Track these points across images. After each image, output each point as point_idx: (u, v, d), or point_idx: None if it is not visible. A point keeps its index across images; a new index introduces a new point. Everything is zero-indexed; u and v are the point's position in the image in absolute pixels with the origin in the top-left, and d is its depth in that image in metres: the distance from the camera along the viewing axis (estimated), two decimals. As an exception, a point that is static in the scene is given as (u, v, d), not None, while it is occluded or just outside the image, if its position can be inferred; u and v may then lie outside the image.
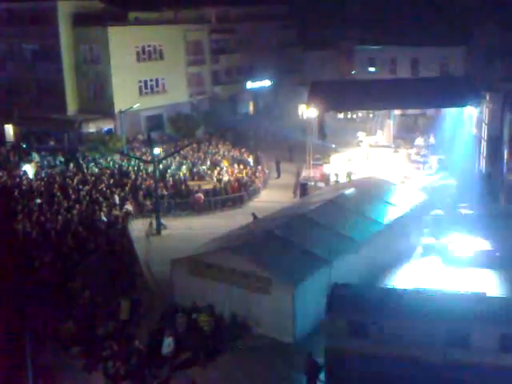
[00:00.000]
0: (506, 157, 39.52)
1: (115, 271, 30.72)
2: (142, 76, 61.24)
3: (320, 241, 29.28)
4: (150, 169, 44.95)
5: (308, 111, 46.33)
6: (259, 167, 50.63)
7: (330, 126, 47.97)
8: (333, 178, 44.80)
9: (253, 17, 74.49)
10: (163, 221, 39.51)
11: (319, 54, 79.09)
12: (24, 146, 57.40)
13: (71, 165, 50.28)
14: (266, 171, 50.70)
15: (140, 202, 42.26)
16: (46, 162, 51.91)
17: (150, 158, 46.42)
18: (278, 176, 50.94)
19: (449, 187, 42.27)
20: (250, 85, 73.21)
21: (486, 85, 47.56)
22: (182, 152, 52.07)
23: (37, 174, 48.75)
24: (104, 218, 38.65)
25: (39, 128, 60.06)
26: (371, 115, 56.62)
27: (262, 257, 27.06)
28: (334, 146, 51.82)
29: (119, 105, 57.00)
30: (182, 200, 43.23)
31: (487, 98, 41.69)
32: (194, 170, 48.34)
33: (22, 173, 48.71)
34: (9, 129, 61.77)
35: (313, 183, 44.83)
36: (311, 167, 47.26)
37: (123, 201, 41.94)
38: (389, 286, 25.86)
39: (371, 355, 21.38)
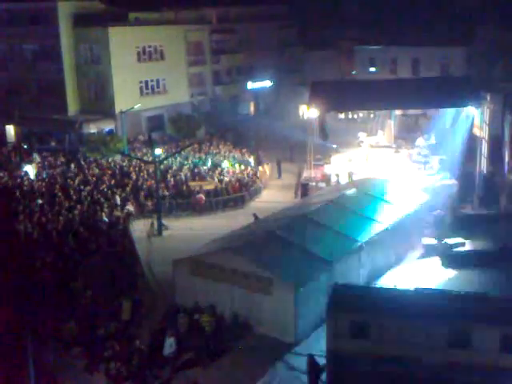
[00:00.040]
0: (506, 157, 39.50)
1: (116, 272, 30.75)
2: (142, 76, 61.26)
3: (321, 241, 29.31)
4: (151, 169, 44.97)
5: (309, 111, 46.31)
6: (260, 167, 50.65)
7: (331, 127, 47.89)
8: (334, 179, 44.81)
9: (253, 17, 74.53)
10: (164, 221, 39.54)
11: (320, 54, 79.07)
12: (25, 146, 57.42)
13: (72, 165, 50.25)
14: (268, 171, 50.69)
15: (141, 203, 42.28)
16: (46, 163, 51.88)
17: (150, 159, 46.45)
18: (279, 176, 50.97)
19: (450, 187, 42.29)
20: (250, 85, 73.23)
21: (487, 85, 47.56)
22: (183, 152, 52.08)
23: (38, 174, 48.78)
24: (105, 219, 38.69)
25: (40, 128, 60.10)
26: (372, 115, 56.63)
27: (263, 257, 27.10)
28: (335, 146, 51.82)
29: (120, 105, 57.02)
30: (184, 200, 43.26)
31: (488, 98, 41.62)
32: (195, 170, 48.36)
33: (23, 173, 48.74)
34: (10, 129, 61.80)
35: (314, 183, 44.83)
36: (312, 167, 47.25)
37: (124, 201, 41.97)
38: (390, 287, 25.88)
39: (372, 355, 21.41)
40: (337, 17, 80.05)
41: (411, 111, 53.53)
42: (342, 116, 51.68)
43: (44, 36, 60.03)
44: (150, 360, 23.87)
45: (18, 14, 61.99)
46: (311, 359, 22.65)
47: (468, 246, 32.59)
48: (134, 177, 46.65)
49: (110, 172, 48.05)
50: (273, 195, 46.25)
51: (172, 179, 45.93)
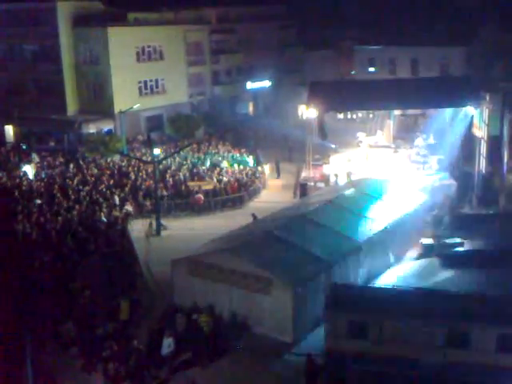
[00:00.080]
0: (505, 157, 39.51)
1: (115, 272, 30.72)
2: (141, 76, 61.25)
3: (320, 241, 29.30)
4: (150, 169, 44.95)
5: (308, 111, 46.31)
6: (259, 167, 50.66)
7: (330, 127, 47.90)
8: (333, 179, 44.80)
9: (252, 17, 74.50)
10: (163, 221, 39.52)
11: (319, 54, 79.06)
12: (24, 146, 57.35)
13: (71, 165, 50.22)
14: (267, 172, 50.68)
15: (140, 203, 42.26)
16: (45, 163, 51.86)
17: (149, 159, 46.43)
18: (278, 176, 50.96)
19: (448, 187, 42.29)
20: (249, 85, 73.19)
21: (486, 85, 47.51)
22: (181, 152, 52.06)
23: (37, 174, 48.74)
24: (104, 219, 38.65)
25: (39, 128, 60.05)
26: (371, 115, 56.61)
27: (261, 257, 27.08)
28: (333, 146, 51.80)
29: (119, 105, 57.00)
30: (182, 200, 43.25)
31: (487, 98, 41.64)
32: (194, 170, 48.35)
33: (22, 173, 48.70)
34: (9, 129, 61.72)
35: (313, 183, 44.81)
36: (311, 167, 47.24)
37: (123, 201, 41.94)
38: (388, 286, 25.88)
39: (371, 355, 21.42)
40: (336, 17, 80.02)
41: (410, 111, 53.50)
42: (340, 116, 51.64)
43: (43, 36, 60.02)
44: (148, 360, 23.85)
45: (18, 14, 61.95)
46: (310, 359, 22.63)
47: (466, 245, 32.57)
48: (133, 177, 46.63)
49: (108, 172, 48.03)
50: (271, 195, 46.22)
51: (171, 179, 45.91)
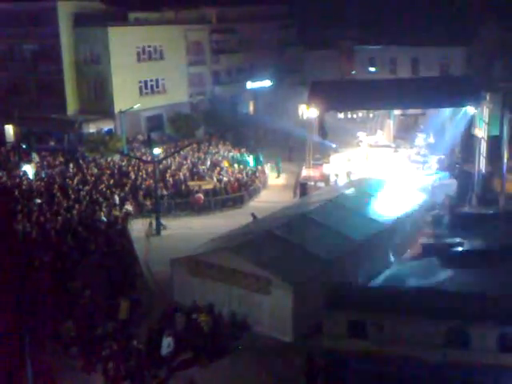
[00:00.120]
0: (505, 157, 39.49)
1: (115, 271, 30.72)
2: (142, 76, 61.22)
3: (320, 241, 29.31)
4: (150, 169, 44.93)
5: (308, 111, 46.32)
6: (259, 167, 50.65)
7: (330, 126, 47.92)
8: (333, 178, 44.79)
9: (253, 17, 74.48)
10: (163, 221, 39.51)
11: (319, 54, 79.06)
12: (24, 146, 57.33)
13: (71, 165, 50.21)
14: (267, 171, 50.69)
15: (140, 202, 42.26)
16: (45, 163, 51.85)
17: (150, 158, 46.42)
18: (278, 176, 50.97)
19: (448, 187, 42.29)
20: (250, 85, 73.14)
21: (486, 85, 47.58)
22: (182, 152, 52.05)
23: (37, 174, 48.73)
24: (104, 218, 38.65)
25: (39, 128, 60.04)
26: (371, 115, 56.62)
27: (261, 257, 27.10)
28: (334, 145, 51.79)
29: (119, 105, 56.97)
30: (182, 200, 43.24)
31: (487, 97, 41.65)
32: (194, 170, 48.33)
33: (21, 173, 48.70)
34: (9, 129, 61.74)
35: (313, 183, 44.81)
36: (311, 167, 47.23)
37: (123, 201, 41.93)
38: (388, 286, 25.87)
39: (370, 355, 21.41)
40: (337, 16, 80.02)
41: (410, 111, 53.53)
42: (341, 116, 51.63)
43: (44, 36, 59.97)
44: (147, 360, 23.84)
45: (18, 13, 61.87)
46: (309, 359, 22.63)
47: (466, 245, 32.56)
48: (133, 176, 46.62)
49: (108, 172, 48.02)
50: (272, 195, 46.23)
51: (171, 179, 45.89)
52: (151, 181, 43.41)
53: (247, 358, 24.72)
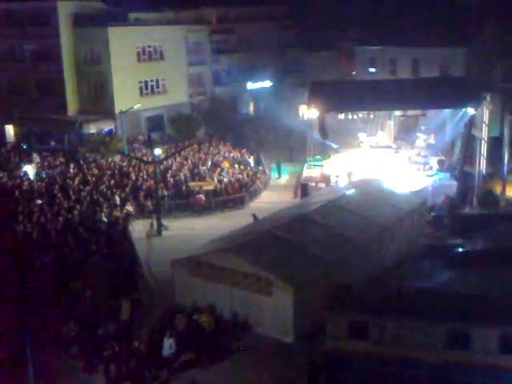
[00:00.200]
0: (506, 158, 39.53)
1: (116, 272, 30.73)
2: (142, 76, 61.21)
3: (320, 241, 29.31)
4: (151, 169, 44.95)
5: (309, 112, 46.36)
6: (260, 168, 50.68)
7: (331, 127, 47.97)
8: (333, 179, 44.83)
9: (253, 17, 74.49)
10: (164, 222, 39.51)
11: (319, 55, 79.07)
12: (24, 146, 57.37)
13: (72, 165, 50.20)
14: (267, 172, 50.72)
15: (141, 203, 42.26)
16: (46, 163, 51.85)
17: (150, 159, 46.42)
18: (279, 176, 51.00)
19: (449, 188, 42.34)
20: (250, 85, 73.17)
21: (487, 86, 47.60)
22: (182, 153, 52.06)
23: (37, 174, 48.73)
24: (105, 219, 38.66)
25: (40, 128, 60.05)
26: (372, 116, 56.67)
27: (262, 257, 27.09)
28: (335, 146, 51.77)
29: (120, 105, 56.96)
30: (183, 201, 43.27)
31: (487, 98, 41.67)
32: (195, 170, 48.34)
33: (22, 173, 48.69)
34: (9, 129, 61.74)
35: (313, 184, 44.84)
36: (312, 168, 47.26)
37: (124, 201, 41.94)
38: (389, 287, 25.87)
39: (372, 356, 21.43)
40: (337, 17, 79.93)
41: (411, 112, 53.56)
42: (341, 116, 51.69)
43: (44, 36, 59.94)
44: (148, 360, 23.85)
45: (19, 13, 61.90)
46: (310, 360, 22.64)
47: (467, 246, 32.59)
48: (134, 177, 46.63)
49: (109, 172, 48.01)
50: (272, 196, 46.24)
51: (171, 179, 45.92)
52: (152, 181, 43.40)
53: (248, 358, 24.73)
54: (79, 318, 26.71)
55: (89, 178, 46.53)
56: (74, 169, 49.28)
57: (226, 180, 46.09)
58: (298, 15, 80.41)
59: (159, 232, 38.91)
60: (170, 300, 28.76)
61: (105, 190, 43.60)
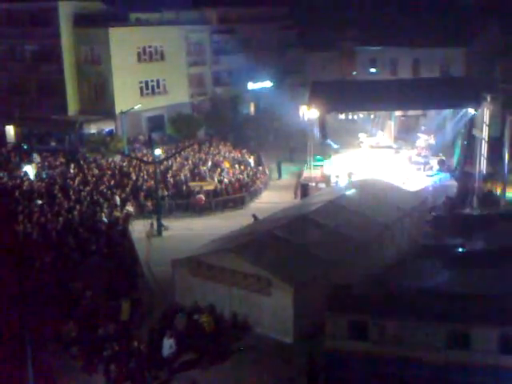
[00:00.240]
0: (506, 158, 39.53)
1: (116, 272, 30.75)
2: (143, 77, 61.20)
3: (321, 241, 29.31)
4: (151, 170, 44.95)
5: (309, 112, 46.36)
6: (260, 168, 50.68)
7: (331, 127, 47.99)
8: (334, 179, 44.82)
9: (253, 18, 74.45)
10: (164, 222, 39.51)
11: (320, 55, 79.00)
12: (25, 146, 57.38)
13: (72, 166, 50.20)
14: (267, 172, 50.72)
15: (141, 203, 42.26)
16: (46, 163, 51.86)
17: (151, 159, 46.43)
18: (279, 177, 51.00)
19: (449, 188, 42.33)
20: (251, 86, 73.17)
21: (487, 86, 47.55)
22: (183, 153, 52.06)
23: (38, 174, 48.73)
24: (105, 219, 38.66)
25: (40, 129, 60.08)
26: (372, 116, 56.68)
27: (262, 257, 27.10)
28: (336, 146, 51.72)
29: (120, 105, 56.96)
30: (183, 201, 43.27)
31: (488, 99, 41.68)
32: (195, 170, 48.34)
33: (22, 174, 48.70)
34: (10, 129, 61.75)
35: (314, 184, 44.84)
36: (312, 168, 47.26)
37: (124, 202, 41.93)
38: (389, 287, 25.86)
39: (371, 356, 21.42)
40: (337, 18, 79.86)
41: (411, 112, 53.57)
42: (342, 116, 51.71)
43: (44, 36, 59.98)
44: (148, 360, 23.84)
45: (19, 13, 61.95)
46: (310, 359, 22.64)
47: (467, 246, 32.56)
48: (134, 177, 46.62)
49: (109, 172, 48.01)
50: (273, 196, 46.24)
51: (172, 179, 45.92)
52: (152, 181, 43.39)
53: (248, 358, 24.72)
54: (79, 318, 26.71)
55: (89, 178, 46.53)
56: (74, 169, 49.27)
57: (226, 180, 46.08)
58: (299, 15, 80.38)
59: (159, 232, 38.91)
60: (170, 300, 28.76)
61: (105, 190, 43.60)
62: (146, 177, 46.54)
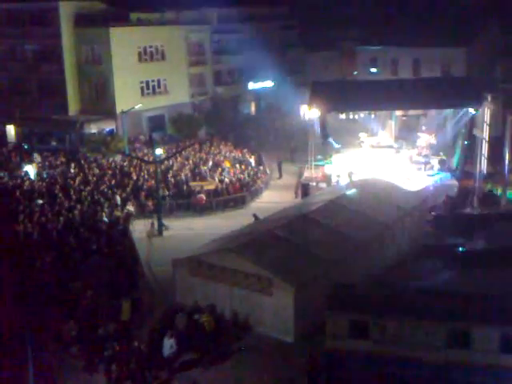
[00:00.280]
0: (507, 158, 39.52)
1: (116, 272, 30.76)
2: (143, 76, 61.20)
3: (321, 241, 29.31)
4: (152, 169, 44.96)
5: (310, 112, 46.36)
6: (261, 168, 50.67)
7: (332, 127, 47.96)
8: (334, 179, 44.81)
9: (254, 17, 74.40)
10: (165, 222, 39.51)
11: (321, 55, 79.02)
12: (25, 146, 57.39)
13: (73, 165, 50.20)
14: (268, 172, 50.72)
15: (142, 203, 42.26)
16: (47, 163, 51.87)
17: (151, 159, 46.44)
18: (280, 177, 50.99)
19: (450, 188, 42.32)
20: (251, 85, 73.16)
21: (488, 86, 47.56)
22: (183, 152, 52.06)
23: (38, 174, 48.73)
24: (105, 219, 38.67)
25: (41, 128, 60.03)
26: (373, 116, 56.67)
27: (263, 257, 27.11)
28: (337, 145, 51.66)
29: (121, 105, 56.93)
30: (184, 201, 43.27)
31: (488, 98, 41.67)
32: (196, 170, 48.34)
33: (23, 173, 48.69)
34: (10, 129, 61.75)
35: (314, 184, 44.84)
36: (313, 168, 47.26)
37: (125, 201, 41.94)
38: (390, 286, 25.88)
39: (372, 356, 21.43)
40: (338, 17, 79.89)
41: (412, 111, 53.55)
42: (342, 116, 51.73)
43: (45, 36, 59.96)
44: (149, 360, 23.85)
45: (20, 13, 61.91)
46: (311, 359, 22.64)
47: (467, 245, 32.56)
48: (135, 177, 46.62)
49: (110, 172, 48.00)
50: (273, 196, 46.23)
51: (172, 179, 45.91)
52: (153, 181, 43.39)
53: (249, 358, 24.72)
54: (80, 318, 26.72)
55: (90, 177, 46.52)
56: (74, 169, 49.27)
57: (227, 180, 46.07)
58: (300, 15, 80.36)
59: (160, 232, 38.90)
60: (171, 300, 28.77)
61: (106, 189, 43.60)
62: (146, 176, 46.54)
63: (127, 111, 54.83)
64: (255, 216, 37.37)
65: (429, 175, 45.43)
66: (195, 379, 22.92)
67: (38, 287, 28.60)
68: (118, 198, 42.18)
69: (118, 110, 57.05)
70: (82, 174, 47.30)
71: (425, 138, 52.14)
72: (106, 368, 23.62)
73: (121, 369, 23.40)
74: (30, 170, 49.39)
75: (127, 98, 58.25)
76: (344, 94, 46.14)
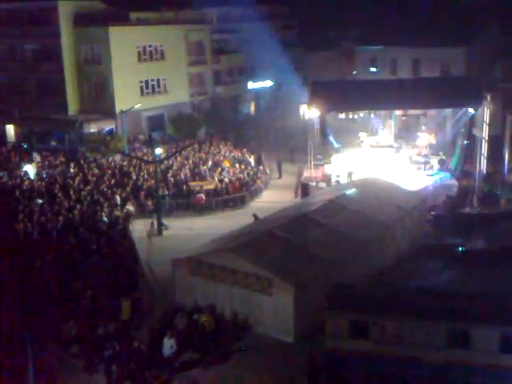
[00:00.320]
0: (506, 157, 39.54)
1: (116, 271, 30.74)
2: (143, 76, 61.19)
3: (321, 241, 29.30)
4: (152, 169, 44.96)
5: (309, 111, 46.37)
6: (261, 167, 50.67)
7: (332, 126, 47.97)
8: (334, 179, 44.82)
9: (254, 17, 74.34)
10: (164, 221, 39.51)
11: (320, 55, 78.96)
12: (25, 146, 57.39)
13: (72, 165, 50.20)
14: (268, 172, 50.71)
15: (141, 203, 42.26)
16: (46, 163, 51.86)
17: (151, 159, 46.43)
18: (280, 176, 50.98)
19: (450, 187, 42.33)
20: (251, 85, 73.15)
21: (487, 85, 47.59)
22: (183, 152, 52.05)
23: (38, 174, 48.74)
24: (105, 219, 38.66)
25: (40, 128, 60.02)
26: (372, 115, 56.69)
27: (263, 257, 27.09)
28: (337, 145, 51.69)
29: (120, 105, 56.94)
30: (184, 200, 43.26)
31: (488, 98, 41.69)
32: (196, 170, 48.34)
33: (23, 173, 48.70)
34: (10, 129, 61.73)
35: (314, 183, 44.85)
36: (312, 167, 47.26)
37: (124, 201, 41.93)
38: (390, 286, 25.87)
39: (372, 356, 21.43)
40: (338, 17, 79.92)
41: (411, 111, 53.59)
42: (342, 116, 51.78)
43: (45, 36, 59.89)
44: (149, 360, 23.85)
45: (19, 13, 61.88)
46: (311, 359, 22.64)
47: (467, 245, 32.57)
48: (134, 177, 46.61)
49: (110, 172, 47.99)
50: (273, 195, 46.23)
51: (172, 179, 45.90)
52: (152, 181, 43.39)
53: (249, 358, 24.72)
54: (80, 318, 26.72)
55: (89, 177, 46.51)
56: (74, 168, 49.27)
57: (226, 179, 46.07)
58: (299, 15, 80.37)
59: (160, 231, 38.90)
60: (171, 300, 28.77)
61: (105, 189, 43.59)
62: (146, 176, 46.54)
63: (127, 111, 54.84)
64: (255, 216, 37.37)
65: (428, 175, 45.44)
66: (195, 379, 22.92)
67: (37, 287, 28.60)
68: (118, 198, 42.18)
69: (118, 109, 57.06)
70: (81, 174, 47.30)
71: (424, 138, 52.19)
72: (106, 368, 23.62)
73: (121, 369, 23.41)
74: (30, 169, 49.40)
75: (127, 97, 58.24)
76: (343, 94, 46.16)
